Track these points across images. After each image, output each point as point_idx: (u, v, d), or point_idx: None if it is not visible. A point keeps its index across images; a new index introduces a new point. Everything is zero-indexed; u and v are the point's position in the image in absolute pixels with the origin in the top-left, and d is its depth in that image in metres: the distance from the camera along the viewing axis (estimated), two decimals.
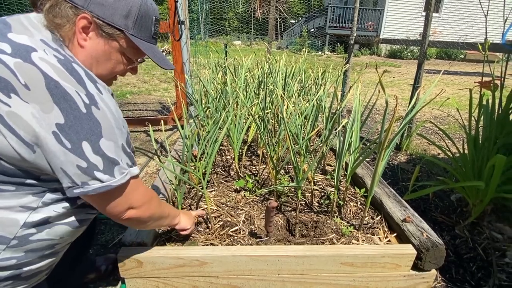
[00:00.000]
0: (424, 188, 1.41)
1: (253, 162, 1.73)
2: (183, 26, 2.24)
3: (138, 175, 0.73)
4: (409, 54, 12.00)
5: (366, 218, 1.24)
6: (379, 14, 12.98)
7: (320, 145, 1.57)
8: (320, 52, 13.98)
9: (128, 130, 0.72)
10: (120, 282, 1.00)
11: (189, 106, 2.37)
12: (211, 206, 1.27)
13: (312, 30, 15.70)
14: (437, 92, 1.27)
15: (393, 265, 1.00)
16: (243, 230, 1.15)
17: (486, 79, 1.45)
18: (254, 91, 1.87)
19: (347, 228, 1.16)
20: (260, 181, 1.52)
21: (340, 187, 1.40)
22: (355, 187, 1.47)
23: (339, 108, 1.29)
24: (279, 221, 1.21)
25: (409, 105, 1.14)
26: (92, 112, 0.60)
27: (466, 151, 1.49)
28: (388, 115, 1.02)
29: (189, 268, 0.96)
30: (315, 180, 1.52)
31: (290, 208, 1.31)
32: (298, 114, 1.47)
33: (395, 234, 1.14)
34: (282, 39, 22.23)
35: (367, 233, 1.15)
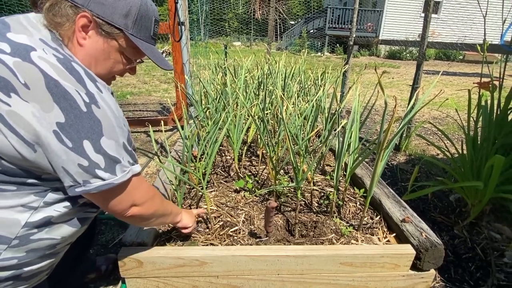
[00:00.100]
0: (423, 189, 1.42)
1: (253, 162, 1.73)
2: (183, 27, 2.25)
3: (140, 172, 0.73)
4: (408, 55, 12.04)
5: (365, 218, 1.24)
6: (378, 15, 13.02)
7: (320, 145, 1.58)
8: (319, 53, 14.01)
9: (129, 128, 0.72)
10: (120, 282, 1.00)
11: (189, 106, 2.38)
12: (211, 206, 1.28)
13: (312, 31, 15.73)
14: (436, 93, 1.29)
15: (392, 265, 1.01)
16: (243, 230, 1.15)
17: (484, 80, 1.46)
18: (253, 91, 1.88)
19: (347, 228, 1.16)
20: (259, 181, 1.52)
21: (339, 187, 1.40)
22: (355, 188, 1.47)
23: (339, 109, 1.30)
24: (279, 221, 1.21)
25: (408, 105, 1.14)
26: (92, 111, 0.60)
27: (465, 152, 1.50)
28: (387, 115, 1.03)
29: (189, 268, 0.97)
30: (315, 181, 1.52)
31: (289, 208, 1.31)
32: (298, 114, 1.47)
33: (394, 234, 1.14)
34: (281, 40, 22.27)
35: (366, 233, 1.16)
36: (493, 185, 1.25)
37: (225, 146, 1.93)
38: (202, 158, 1.30)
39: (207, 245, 1.07)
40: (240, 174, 1.53)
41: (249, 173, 1.58)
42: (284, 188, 1.41)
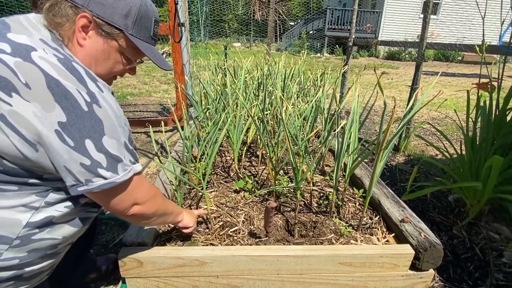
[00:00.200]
0: (422, 189, 1.42)
1: (253, 163, 1.74)
2: (183, 28, 2.26)
3: (141, 171, 0.74)
4: (407, 56, 12.06)
5: (365, 219, 1.24)
6: (378, 16, 13.05)
7: (319, 146, 1.59)
8: (319, 54, 14.03)
9: (130, 128, 0.72)
10: (120, 282, 1.00)
11: (189, 107, 2.38)
12: (211, 206, 1.28)
13: (311, 32, 15.76)
14: (435, 94, 1.29)
15: (391, 265, 1.01)
16: (243, 230, 1.15)
17: (483, 80, 1.47)
18: (253, 92, 1.88)
19: (346, 228, 1.17)
20: (259, 181, 1.53)
21: (338, 187, 1.41)
22: (354, 188, 1.48)
23: (338, 110, 1.31)
24: (278, 222, 1.22)
25: (407, 106, 1.15)
26: (93, 110, 0.61)
27: (463, 152, 1.50)
28: (387, 116, 1.03)
29: (189, 268, 0.97)
30: (314, 181, 1.53)
31: (289, 209, 1.31)
32: (297, 115, 1.48)
33: (393, 234, 1.15)
34: (281, 41, 22.29)
35: (366, 233, 1.16)
36: (491, 185, 1.26)
37: (225, 146, 1.94)
38: (202, 158, 1.31)
39: (207, 245, 1.08)
40: (240, 175, 1.53)
41: (249, 174, 1.58)
42: (284, 188, 1.41)
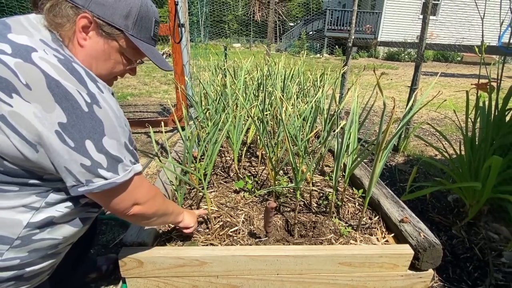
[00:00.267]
0: (422, 189, 1.43)
1: (252, 163, 1.74)
2: (183, 28, 2.27)
3: (142, 172, 0.74)
4: (406, 56, 12.08)
5: (364, 219, 1.25)
6: (377, 17, 13.08)
7: (319, 146, 1.59)
8: (318, 55, 14.05)
9: (130, 128, 0.73)
10: (121, 282, 1.01)
11: (189, 108, 2.38)
12: (211, 206, 1.28)
13: (311, 32, 15.79)
14: (434, 94, 1.30)
15: (390, 265, 1.01)
16: (243, 230, 1.16)
17: (482, 81, 1.48)
18: (253, 93, 1.89)
19: (345, 228, 1.17)
20: (259, 182, 1.53)
21: (338, 188, 1.41)
22: (353, 188, 1.48)
23: (337, 110, 1.31)
24: (278, 222, 1.22)
25: (406, 107, 1.15)
26: (94, 111, 0.61)
27: (463, 152, 1.51)
28: (386, 116, 1.04)
29: (189, 268, 0.97)
30: (314, 181, 1.53)
31: (289, 209, 1.32)
32: (297, 115, 1.48)
33: (392, 235, 1.15)
34: (281, 41, 22.32)
35: (365, 234, 1.16)
36: (490, 185, 1.26)
37: (225, 147, 1.94)
38: (202, 159, 1.31)
39: (207, 245, 1.08)
40: (240, 175, 1.54)
41: (249, 174, 1.59)
42: (284, 188, 1.41)
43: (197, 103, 1.74)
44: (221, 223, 1.19)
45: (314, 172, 1.52)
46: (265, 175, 1.59)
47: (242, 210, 1.28)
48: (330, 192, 1.39)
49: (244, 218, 1.23)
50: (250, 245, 1.09)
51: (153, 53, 0.79)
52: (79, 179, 0.62)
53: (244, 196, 1.39)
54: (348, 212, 1.30)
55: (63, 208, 0.69)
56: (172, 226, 1.13)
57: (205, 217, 1.21)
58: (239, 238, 1.12)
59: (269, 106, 1.77)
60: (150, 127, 1.40)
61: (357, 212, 1.31)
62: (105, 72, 0.75)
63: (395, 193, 1.34)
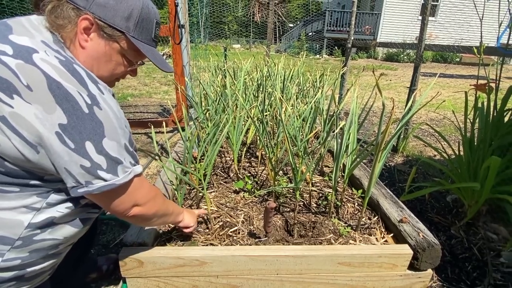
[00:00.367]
0: (421, 189, 1.43)
1: (252, 163, 1.75)
2: (183, 29, 2.27)
3: (142, 173, 0.74)
4: (405, 57, 12.10)
5: (363, 219, 1.25)
6: (376, 18, 13.10)
7: (318, 147, 1.59)
8: (318, 56, 14.07)
9: (130, 129, 0.73)
10: (121, 282, 1.01)
11: (189, 108, 2.39)
12: (211, 207, 1.29)
13: (310, 33, 15.81)
14: (433, 95, 1.30)
15: (389, 265, 1.02)
16: (242, 231, 1.16)
17: (481, 82, 1.48)
18: (253, 93, 1.89)
19: (345, 228, 1.18)
20: (259, 182, 1.54)
21: (337, 188, 1.41)
22: (353, 188, 1.49)
23: (337, 111, 1.32)
24: (278, 222, 1.22)
25: (405, 107, 1.16)
26: (94, 112, 0.61)
27: (461, 153, 1.51)
28: (385, 117, 1.04)
29: (189, 268, 0.98)
30: (313, 181, 1.54)
31: (288, 209, 1.32)
32: (296, 116, 1.49)
33: (391, 235, 1.16)
34: (280, 42, 22.34)
35: (364, 234, 1.17)
36: (489, 186, 1.27)
37: (225, 147, 1.95)
38: (202, 159, 1.31)
39: (207, 245, 1.08)
40: (240, 175, 1.54)
41: (249, 174, 1.59)
42: (283, 189, 1.42)
43: (197, 104, 1.74)
44: (221, 223, 1.19)
45: (313, 172, 1.52)
46: (265, 176, 1.60)
47: (242, 210, 1.29)
48: (330, 192, 1.39)
49: (244, 218, 1.23)
50: (250, 245, 1.09)
51: (154, 55, 0.79)
52: (79, 180, 0.62)
53: (244, 196, 1.39)
54: (347, 212, 1.31)
55: (63, 209, 0.69)
56: (172, 226, 1.13)
57: (205, 217, 1.22)
58: (239, 238, 1.12)
59: (269, 106, 1.78)
60: (151, 127, 1.40)
61: (356, 212, 1.31)
62: (106, 74, 0.75)
63: (394, 193, 1.34)
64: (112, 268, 1.20)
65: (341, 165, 1.27)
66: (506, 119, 1.43)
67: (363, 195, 1.37)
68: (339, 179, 1.51)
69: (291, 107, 1.57)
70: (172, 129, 3.10)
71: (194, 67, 3.36)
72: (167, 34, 2.29)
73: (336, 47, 13.83)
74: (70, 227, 0.72)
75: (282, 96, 1.92)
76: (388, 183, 2.08)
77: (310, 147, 1.89)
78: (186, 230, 1.02)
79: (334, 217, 1.25)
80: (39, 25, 0.65)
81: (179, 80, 2.58)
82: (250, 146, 1.94)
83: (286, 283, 1.03)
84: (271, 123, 1.75)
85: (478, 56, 1.50)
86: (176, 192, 1.24)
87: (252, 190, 1.44)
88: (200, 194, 1.33)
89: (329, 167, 1.74)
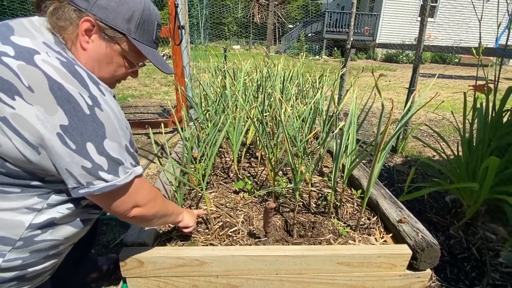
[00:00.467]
0: (420, 190, 1.44)
1: (252, 164, 1.75)
2: (183, 30, 2.28)
3: (142, 174, 0.74)
4: (404, 58, 12.13)
5: (363, 219, 1.26)
6: (375, 19, 13.13)
7: (318, 147, 1.60)
8: (317, 56, 14.08)
9: (131, 130, 0.73)
10: (121, 282, 1.01)
11: (189, 109, 2.39)
12: (211, 207, 1.29)
13: (310, 34, 15.83)
14: (432, 96, 1.31)
15: (389, 264, 1.02)
16: (242, 231, 1.17)
17: (480, 82, 1.49)
18: (253, 94, 1.90)
19: (344, 228, 1.18)
20: (258, 182, 1.54)
21: (337, 188, 1.42)
22: (352, 189, 1.49)
23: (336, 111, 1.32)
24: (277, 222, 1.23)
25: (404, 108, 1.17)
26: (95, 114, 0.61)
27: (460, 153, 1.52)
28: (384, 118, 1.05)
29: (189, 267, 0.98)
30: (313, 182, 1.54)
31: (288, 209, 1.33)
32: (296, 117, 1.49)
33: (391, 235, 1.16)
34: (280, 43, 22.35)
35: (364, 234, 1.17)
36: (488, 186, 1.28)
37: (225, 148, 1.95)
38: (202, 159, 1.32)
39: (207, 245, 1.09)
40: (239, 176, 1.55)
41: (248, 175, 1.60)
42: (283, 189, 1.42)
43: (197, 105, 1.75)
44: (220, 223, 1.20)
45: (313, 172, 1.53)
46: (265, 176, 1.60)
47: (242, 210, 1.29)
48: (329, 192, 1.40)
49: (243, 218, 1.23)
50: (250, 245, 1.09)
51: (155, 56, 0.79)
52: (80, 181, 0.62)
53: (243, 197, 1.40)
54: (346, 212, 1.31)
55: (64, 210, 0.69)
56: (172, 226, 1.13)
57: (205, 217, 1.22)
58: (238, 238, 1.13)
59: (269, 107, 1.79)
60: (150, 128, 1.40)
61: (355, 213, 1.32)
62: (107, 75, 0.75)
63: (393, 193, 1.35)
64: (112, 268, 1.20)
65: (341, 166, 1.27)
66: (504, 119, 1.44)
67: (362, 195, 1.38)
68: (339, 179, 1.51)
69: (291, 108, 1.58)
70: (172, 129, 3.10)
71: (194, 68, 3.37)
72: (167, 35, 2.30)
73: (335, 48, 13.85)
74: (71, 228, 0.73)
75: (282, 97, 1.92)
76: (387, 183, 2.08)
77: (309, 148, 1.89)
78: (185, 230, 1.02)
79: (334, 217, 1.26)
80: (40, 27, 0.65)
81: (179, 81, 2.58)
82: (250, 146, 1.95)
83: (286, 283, 1.03)
84: (271, 124, 1.75)
85: (477, 57, 1.51)
86: (175, 193, 1.24)
87: (252, 190, 1.44)
88: (200, 194, 1.34)
89: (328, 167, 1.75)
